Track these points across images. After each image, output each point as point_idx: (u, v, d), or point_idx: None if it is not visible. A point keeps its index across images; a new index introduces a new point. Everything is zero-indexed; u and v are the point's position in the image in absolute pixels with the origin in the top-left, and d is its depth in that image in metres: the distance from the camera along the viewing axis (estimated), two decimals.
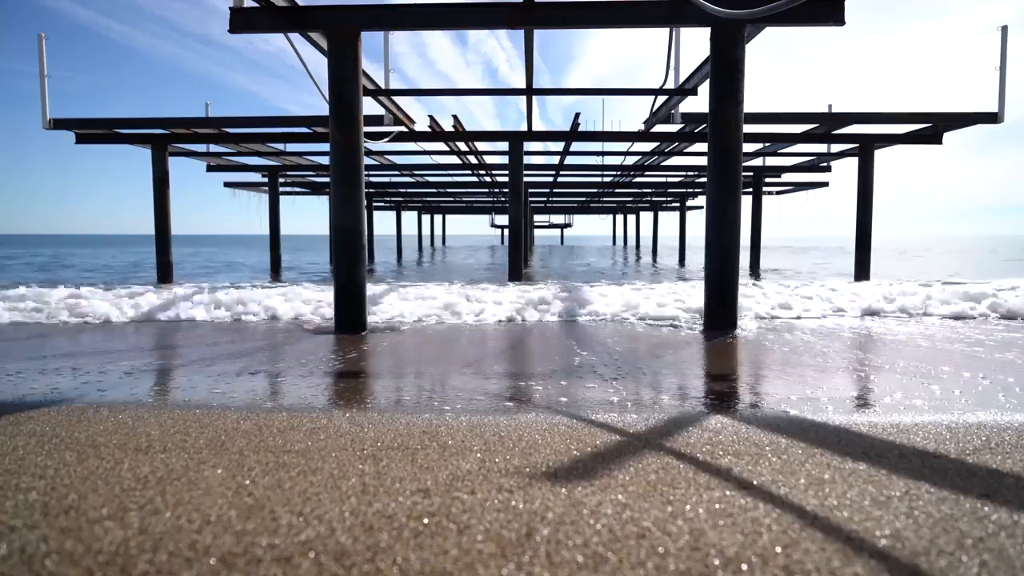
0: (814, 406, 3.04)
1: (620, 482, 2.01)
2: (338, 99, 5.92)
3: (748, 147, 12.76)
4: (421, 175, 17.89)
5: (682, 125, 10.24)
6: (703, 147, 11.96)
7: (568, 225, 48.69)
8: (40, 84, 9.38)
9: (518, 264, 12.38)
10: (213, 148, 12.99)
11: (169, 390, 3.61)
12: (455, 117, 10.64)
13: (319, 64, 8.75)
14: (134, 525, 1.69)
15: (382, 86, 8.27)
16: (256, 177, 17.40)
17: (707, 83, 6.34)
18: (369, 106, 7.67)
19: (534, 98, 9.59)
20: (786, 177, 18.07)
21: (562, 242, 56.54)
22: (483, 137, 11.99)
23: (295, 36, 6.06)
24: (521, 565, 1.49)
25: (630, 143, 12.24)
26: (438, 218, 45.65)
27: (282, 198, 17.58)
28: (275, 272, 16.02)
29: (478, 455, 2.28)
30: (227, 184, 18.38)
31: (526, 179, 17.76)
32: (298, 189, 21.41)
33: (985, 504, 1.83)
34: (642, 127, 10.61)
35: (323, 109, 6.66)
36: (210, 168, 15.75)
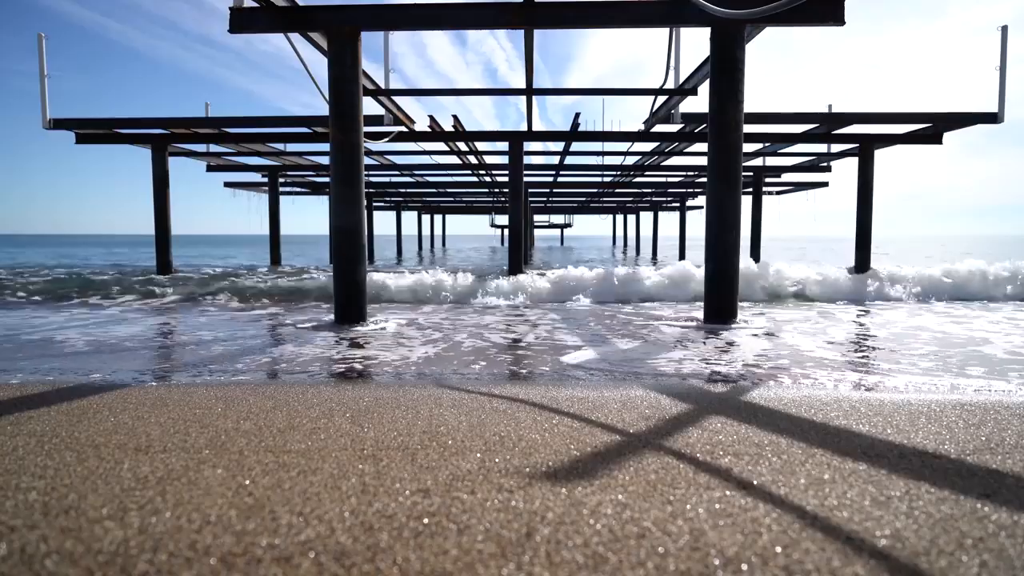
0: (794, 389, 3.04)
1: (620, 482, 2.01)
2: (338, 99, 5.93)
3: (748, 147, 12.76)
4: (421, 175, 17.89)
5: (682, 125, 10.24)
6: (703, 147, 11.96)
7: (568, 225, 48.67)
8: (40, 84, 9.39)
9: (518, 270, 12.08)
10: (213, 148, 12.99)
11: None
12: (455, 117, 10.64)
13: (319, 64, 8.75)
14: (134, 525, 1.69)
15: (382, 86, 8.27)
16: (256, 177, 17.41)
17: (707, 83, 6.35)
18: (369, 106, 7.68)
19: (534, 98, 9.59)
20: (786, 177, 18.08)
21: (562, 242, 56.54)
22: (483, 137, 11.99)
23: (295, 36, 6.06)
24: (521, 565, 1.49)
25: (630, 143, 12.23)
26: (438, 218, 45.64)
27: (282, 198, 17.59)
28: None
29: (478, 455, 2.28)
30: (227, 184, 18.38)
31: (526, 179, 17.76)
32: (298, 189, 21.41)
33: (985, 504, 1.83)
34: (642, 127, 10.61)
35: (323, 109, 6.66)
36: (210, 168, 15.75)
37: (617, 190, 23.29)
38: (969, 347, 5.04)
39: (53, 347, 5.16)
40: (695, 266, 8.99)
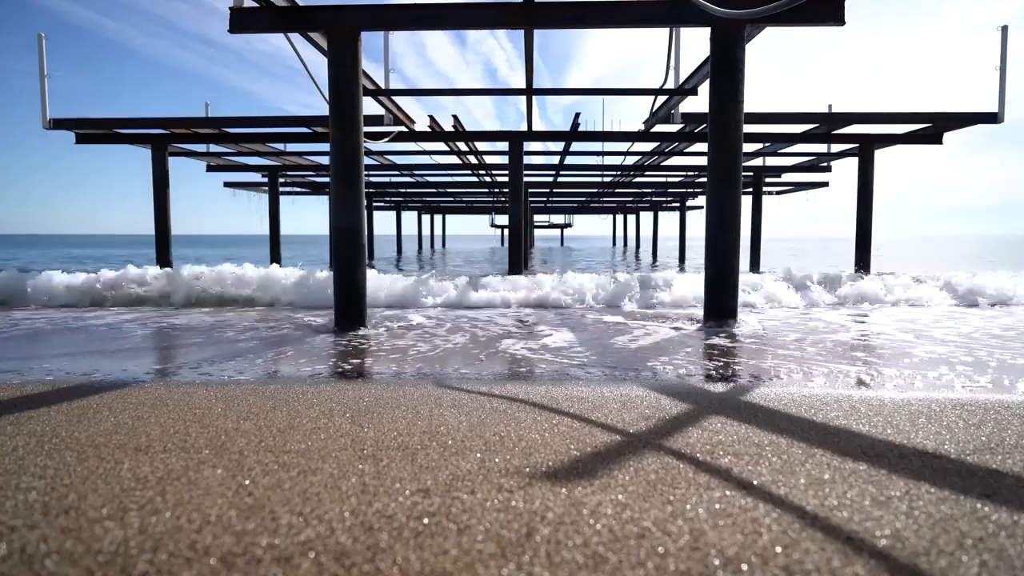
0: (797, 391, 3.05)
1: (620, 482, 2.01)
2: (338, 99, 5.92)
3: (748, 147, 12.76)
4: (421, 175, 17.89)
5: (682, 125, 10.25)
6: (703, 147, 11.97)
7: (568, 225, 48.69)
8: (40, 84, 9.39)
9: (518, 271, 12.08)
10: (213, 148, 12.99)
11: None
12: (455, 117, 10.64)
13: (319, 64, 8.76)
14: (134, 525, 1.69)
15: (382, 86, 8.27)
16: (256, 177, 17.41)
17: (707, 83, 6.35)
18: (369, 106, 7.68)
19: (534, 98, 9.59)
20: (786, 177, 18.08)
21: (562, 242, 56.56)
22: (483, 137, 11.99)
23: (295, 36, 6.06)
24: (521, 565, 1.49)
25: (630, 143, 12.23)
26: (438, 218, 45.67)
27: (282, 198, 17.59)
28: None
29: (478, 455, 2.28)
30: (227, 184, 18.38)
31: (526, 179, 17.77)
32: (298, 189, 21.41)
33: (985, 504, 1.83)
34: (642, 127, 10.61)
35: (323, 109, 6.66)
36: (210, 168, 15.75)
37: (617, 190, 23.29)
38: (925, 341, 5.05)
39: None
40: (696, 273, 8.90)
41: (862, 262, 12.66)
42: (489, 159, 15.27)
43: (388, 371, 4.18)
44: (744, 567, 1.47)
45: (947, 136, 11.61)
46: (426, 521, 1.72)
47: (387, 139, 10.35)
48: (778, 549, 1.55)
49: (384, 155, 14.11)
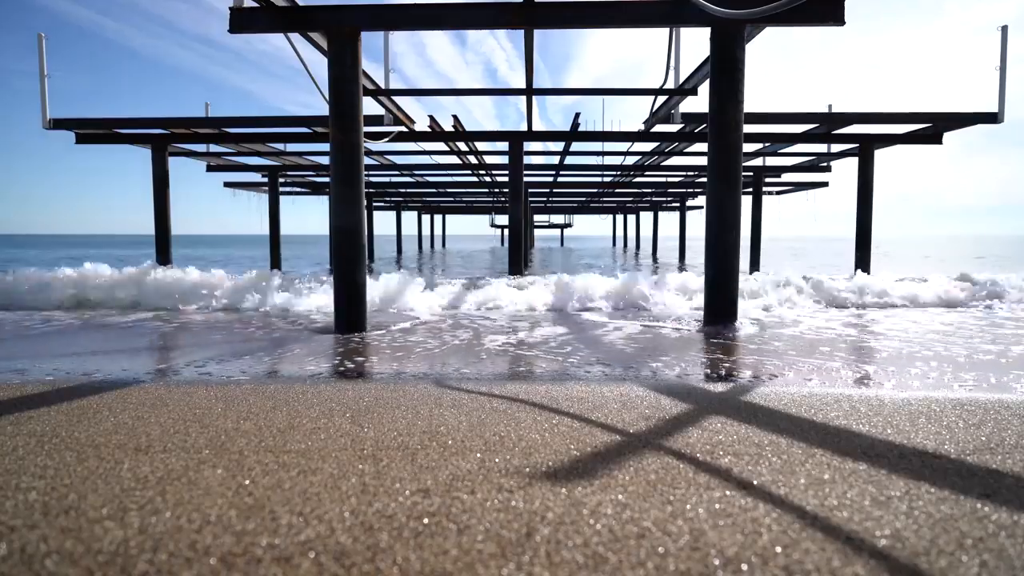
0: (796, 390, 3.05)
1: (620, 482, 2.01)
2: (338, 99, 5.92)
3: (748, 147, 12.75)
4: (421, 175, 17.89)
5: (682, 125, 10.24)
6: (703, 147, 11.96)
7: (568, 225, 48.67)
8: (40, 84, 9.38)
9: (518, 271, 12.13)
10: (213, 148, 12.99)
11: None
12: (455, 117, 10.63)
13: (319, 64, 8.77)
14: (134, 525, 1.69)
15: (382, 86, 8.27)
16: (256, 177, 17.40)
17: (707, 83, 6.34)
18: (369, 106, 7.67)
19: (534, 98, 9.59)
20: (786, 177, 18.07)
21: (562, 243, 56.57)
22: (483, 137, 11.99)
23: (295, 36, 6.05)
24: (521, 565, 1.49)
25: (630, 143, 12.23)
26: (438, 218, 45.64)
27: (282, 198, 17.59)
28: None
29: (478, 455, 2.28)
30: (227, 184, 18.37)
31: (526, 179, 17.76)
32: (298, 189, 21.41)
33: (985, 504, 1.83)
34: (642, 127, 10.60)
35: (323, 109, 6.66)
36: (210, 168, 15.75)
37: (617, 190, 23.28)
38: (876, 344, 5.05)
39: None
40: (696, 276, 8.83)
41: (862, 262, 12.65)
42: (489, 159, 15.27)
43: (388, 371, 4.18)
44: (744, 567, 1.47)
45: (947, 136, 11.60)
46: (426, 521, 1.72)
47: (387, 139, 10.35)
48: (778, 549, 1.55)
49: (384, 155, 14.10)
